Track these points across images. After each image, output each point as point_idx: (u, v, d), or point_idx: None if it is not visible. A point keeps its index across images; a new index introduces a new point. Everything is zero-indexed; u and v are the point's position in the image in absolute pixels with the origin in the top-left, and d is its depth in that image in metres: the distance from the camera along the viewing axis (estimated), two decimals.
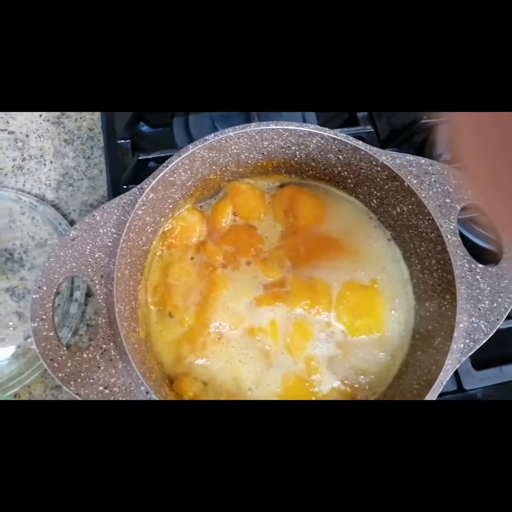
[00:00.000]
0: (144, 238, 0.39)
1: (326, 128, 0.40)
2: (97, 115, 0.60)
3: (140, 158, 0.52)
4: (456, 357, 0.36)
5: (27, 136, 0.58)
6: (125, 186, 0.54)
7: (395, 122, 0.61)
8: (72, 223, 0.54)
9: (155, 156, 0.53)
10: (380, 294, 0.43)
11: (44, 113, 0.59)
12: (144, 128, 0.60)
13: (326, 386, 0.41)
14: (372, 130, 0.56)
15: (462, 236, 0.55)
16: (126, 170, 0.54)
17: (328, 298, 0.43)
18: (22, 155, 0.57)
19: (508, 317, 0.48)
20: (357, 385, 0.42)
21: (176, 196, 0.42)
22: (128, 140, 0.56)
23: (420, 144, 0.60)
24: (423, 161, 0.41)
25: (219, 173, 0.44)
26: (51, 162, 0.57)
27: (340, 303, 0.42)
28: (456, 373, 0.48)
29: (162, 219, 0.42)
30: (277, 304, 0.43)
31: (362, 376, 0.42)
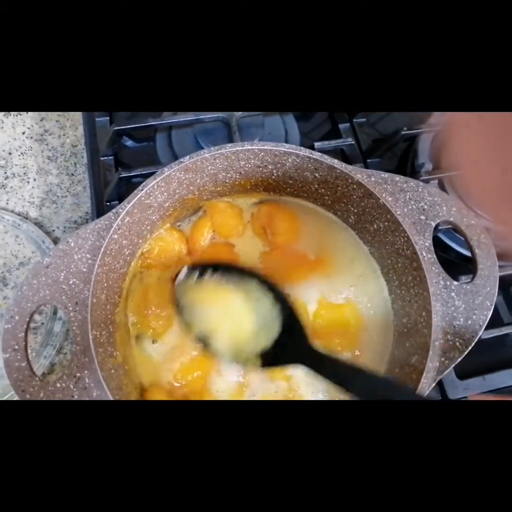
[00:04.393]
0: (121, 261, 0.40)
1: (301, 147, 0.41)
2: (80, 131, 0.60)
3: (122, 175, 0.53)
4: (431, 375, 0.36)
5: (10, 153, 0.58)
6: (108, 203, 0.54)
7: (376, 134, 0.61)
8: (55, 240, 0.55)
9: (137, 173, 0.53)
10: (357, 311, 0.43)
11: (27, 130, 0.59)
12: (128, 143, 0.60)
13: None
14: (353, 142, 0.57)
15: (446, 245, 0.56)
16: (109, 186, 0.54)
17: (305, 316, 0.43)
18: (5, 173, 0.57)
19: (490, 327, 0.48)
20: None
21: (153, 218, 0.42)
22: (111, 157, 0.57)
23: (402, 154, 0.61)
24: (398, 178, 0.41)
25: (197, 193, 0.44)
26: (34, 179, 0.57)
27: (315, 322, 0.42)
28: (440, 383, 0.49)
29: (141, 241, 0.42)
30: None
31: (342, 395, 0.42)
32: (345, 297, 0.43)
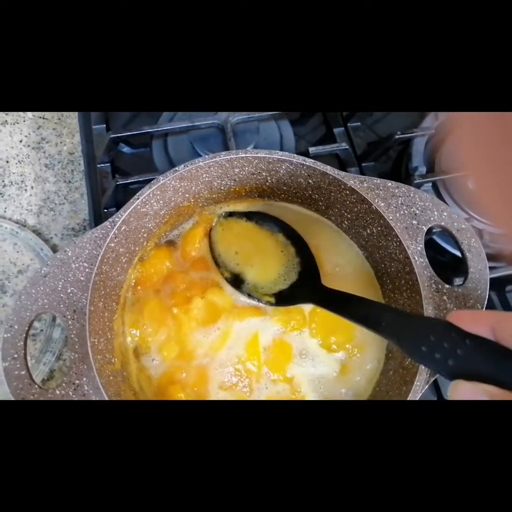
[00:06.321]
0: (118, 269, 0.40)
1: (295, 155, 0.41)
2: (77, 138, 0.61)
3: (118, 182, 0.53)
4: (424, 377, 0.37)
5: (7, 162, 0.58)
6: (105, 210, 0.55)
7: (371, 137, 0.61)
8: (54, 248, 0.55)
9: (134, 180, 0.54)
10: None
11: (24, 139, 0.60)
12: (125, 149, 0.61)
13: None
14: (347, 147, 0.57)
15: (441, 248, 0.56)
16: (106, 193, 0.55)
17: (301, 315, 0.44)
18: (3, 181, 0.57)
19: None
20: None
21: (150, 225, 0.42)
22: (108, 164, 0.57)
23: (396, 158, 0.61)
24: (390, 184, 0.41)
25: (192, 200, 0.45)
26: (32, 187, 0.58)
27: (312, 320, 0.43)
28: (435, 383, 0.49)
29: (137, 248, 0.43)
30: (257, 318, 0.43)
31: (341, 394, 0.43)
32: None
